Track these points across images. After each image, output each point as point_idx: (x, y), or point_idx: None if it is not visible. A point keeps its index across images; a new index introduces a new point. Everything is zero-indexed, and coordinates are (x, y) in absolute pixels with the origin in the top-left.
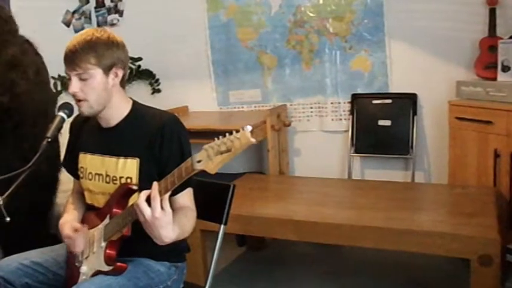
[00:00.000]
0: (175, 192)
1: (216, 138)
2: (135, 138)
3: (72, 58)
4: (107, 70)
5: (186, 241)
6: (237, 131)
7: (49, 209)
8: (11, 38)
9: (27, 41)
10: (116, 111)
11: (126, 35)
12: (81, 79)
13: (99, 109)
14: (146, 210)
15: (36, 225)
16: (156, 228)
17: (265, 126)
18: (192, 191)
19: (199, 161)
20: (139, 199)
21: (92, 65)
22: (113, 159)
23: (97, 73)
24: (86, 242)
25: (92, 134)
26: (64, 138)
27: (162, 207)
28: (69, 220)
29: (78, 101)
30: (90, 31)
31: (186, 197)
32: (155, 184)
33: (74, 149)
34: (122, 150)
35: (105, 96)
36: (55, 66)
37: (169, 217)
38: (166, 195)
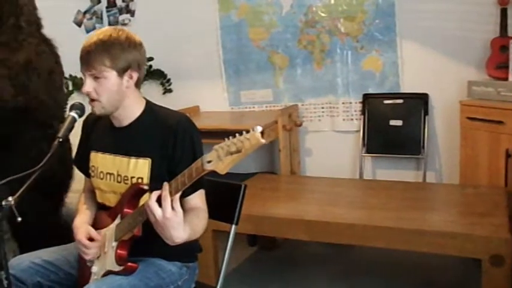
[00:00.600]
0: (187, 193)
1: (226, 139)
2: (147, 138)
3: (87, 58)
4: (121, 72)
5: (198, 241)
6: (247, 132)
7: (61, 206)
8: (29, 38)
9: (45, 41)
10: (129, 111)
11: (138, 35)
12: (95, 79)
13: (111, 110)
14: (157, 210)
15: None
16: (167, 229)
17: (276, 126)
18: (203, 192)
19: (209, 162)
20: (150, 200)
21: (107, 67)
22: (125, 159)
23: (111, 75)
24: (98, 251)
25: (104, 133)
26: (75, 138)
27: (172, 208)
28: (84, 222)
29: (91, 100)
30: (108, 31)
31: (198, 198)
32: (166, 184)
33: (86, 147)
34: (133, 150)
35: (118, 98)
36: (66, 66)
37: (180, 217)
38: (177, 196)
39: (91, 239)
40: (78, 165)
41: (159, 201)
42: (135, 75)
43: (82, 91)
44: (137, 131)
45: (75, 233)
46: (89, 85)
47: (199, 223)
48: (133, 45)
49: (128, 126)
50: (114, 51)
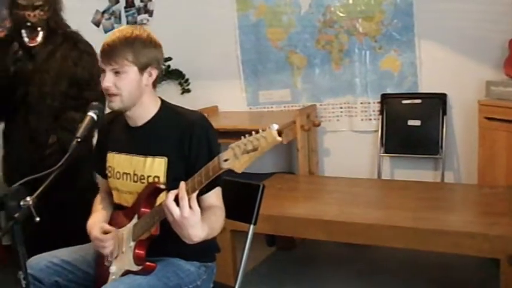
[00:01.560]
0: (204, 191)
1: (242, 137)
2: (163, 137)
3: (110, 53)
4: (142, 69)
5: (216, 241)
6: (264, 130)
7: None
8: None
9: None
10: (145, 110)
11: (156, 35)
12: (116, 74)
13: (129, 105)
14: (175, 210)
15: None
16: (185, 228)
17: (294, 126)
18: (220, 190)
19: (226, 160)
20: (167, 199)
21: (129, 61)
22: (141, 159)
23: (132, 70)
24: (115, 243)
25: (120, 134)
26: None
27: (190, 207)
28: (97, 221)
29: (110, 95)
30: (130, 28)
31: (215, 196)
32: (182, 184)
33: (102, 148)
34: (149, 149)
35: (137, 94)
36: None
37: (197, 216)
38: (194, 194)
39: (106, 233)
40: (95, 166)
41: (176, 200)
42: (155, 74)
43: (101, 85)
44: (153, 130)
45: (90, 231)
46: (109, 80)
47: (217, 221)
48: (154, 43)
49: (143, 125)
50: (136, 47)
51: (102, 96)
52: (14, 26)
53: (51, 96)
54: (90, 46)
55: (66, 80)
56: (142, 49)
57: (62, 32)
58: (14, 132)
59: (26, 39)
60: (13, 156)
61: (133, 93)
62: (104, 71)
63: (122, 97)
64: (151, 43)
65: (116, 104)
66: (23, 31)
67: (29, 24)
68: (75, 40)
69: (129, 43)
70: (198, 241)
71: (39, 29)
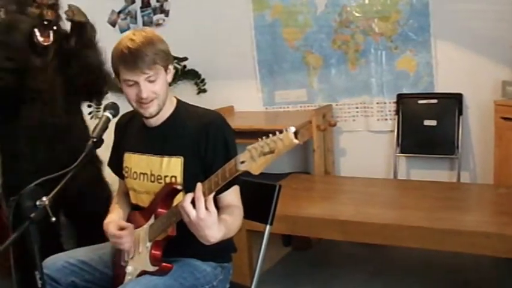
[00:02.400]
0: (222, 190)
1: (259, 139)
2: (180, 136)
3: (140, 61)
4: (166, 68)
5: (233, 241)
6: (280, 132)
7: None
8: None
9: None
10: (163, 109)
11: (172, 35)
12: (150, 82)
13: (162, 107)
14: (191, 211)
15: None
16: (201, 229)
17: (310, 126)
18: (238, 188)
19: (242, 162)
20: (184, 201)
21: (159, 65)
22: (157, 158)
23: (162, 72)
24: (132, 239)
25: (136, 134)
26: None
27: (206, 208)
28: (113, 219)
29: (147, 103)
30: (139, 32)
31: (233, 195)
32: (199, 185)
33: (119, 148)
34: (166, 149)
35: (167, 93)
36: None
37: (214, 217)
38: (211, 196)
39: (121, 229)
40: (112, 167)
41: (193, 201)
42: (172, 70)
43: (140, 96)
44: (169, 129)
45: (106, 229)
46: (146, 90)
47: (234, 221)
48: (165, 41)
49: (160, 125)
50: (159, 48)
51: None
52: (22, 24)
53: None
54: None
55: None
56: (162, 49)
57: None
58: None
59: (41, 39)
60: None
61: (166, 93)
62: (135, 82)
63: (158, 100)
64: (164, 41)
65: (154, 108)
66: (36, 30)
67: (45, 22)
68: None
69: (153, 46)
70: (214, 242)
71: (54, 27)
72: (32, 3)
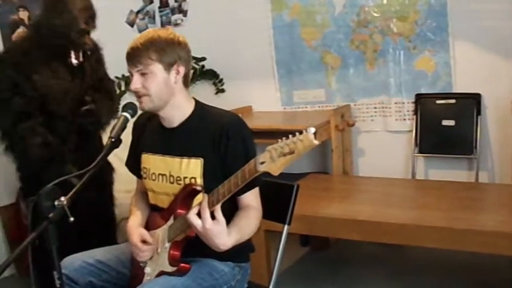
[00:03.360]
0: (241, 192)
1: (279, 140)
2: (199, 138)
3: (134, 55)
4: (167, 66)
5: (251, 241)
6: (300, 133)
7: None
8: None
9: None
10: (179, 110)
11: (190, 35)
12: (143, 75)
13: (160, 105)
14: (197, 222)
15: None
16: (210, 238)
17: (329, 126)
18: (258, 190)
19: (262, 163)
20: (190, 213)
21: (153, 60)
22: (177, 160)
23: (158, 69)
24: (151, 253)
25: (154, 135)
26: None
27: (214, 217)
28: (137, 225)
29: (139, 97)
30: (151, 30)
31: (252, 196)
32: (205, 196)
33: (137, 149)
34: (185, 150)
35: (166, 92)
36: (119, 66)
37: (222, 226)
38: (218, 205)
39: (144, 241)
40: (130, 167)
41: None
42: (182, 70)
43: (130, 89)
44: (188, 131)
45: (129, 235)
46: (136, 81)
47: (249, 225)
48: (177, 42)
49: (178, 126)
50: (159, 46)
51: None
52: (59, 45)
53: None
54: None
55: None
56: (165, 47)
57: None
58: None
59: (75, 61)
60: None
61: (162, 91)
62: (131, 75)
63: (151, 97)
64: (174, 41)
65: (146, 104)
66: (72, 52)
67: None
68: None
69: (151, 43)
70: (225, 249)
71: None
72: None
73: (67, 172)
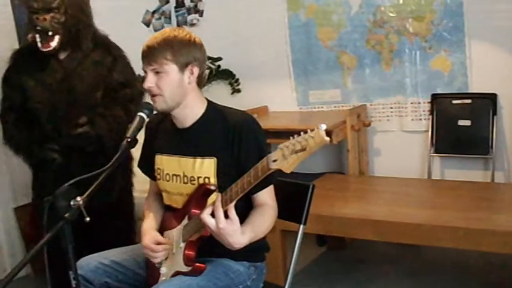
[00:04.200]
0: (256, 190)
1: (291, 137)
2: (211, 138)
3: (149, 54)
4: (182, 67)
5: (266, 240)
6: (312, 130)
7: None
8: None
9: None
10: (191, 110)
11: (206, 35)
12: (157, 74)
13: (173, 105)
14: (210, 222)
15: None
16: (224, 237)
17: (345, 127)
18: (272, 187)
19: (274, 161)
20: (203, 212)
21: (168, 60)
22: (190, 160)
23: (172, 69)
24: (165, 255)
25: (167, 135)
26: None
27: (227, 216)
28: (151, 227)
29: (153, 96)
30: (168, 30)
31: (266, 194)
32: (218, 195)
33: (150, 150)
34: (198, 150)
35: (180, 93)
36: (135, 66)
37: (235, 225)
38: (232, 204)
39: (158, 243)
40: (143, 168)
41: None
42: (196, 71)
43: (143, 87)
44: (201, 131)
45: (143, 237)
46: (150, 80)
47: (264, 223)
48: (193, 42)
49: (191, 126)
50: (175, 46)
51: (138, 95)
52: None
53: (83, 105)
54: (121, 50)
55: (101, 88)
56: (180, 48)
57: (92, 37)
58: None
59: (39, 45)
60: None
61: (175, 92)
62: (145, 73)
63: (164, 97)
64: (189, 41)
65: (159, 104)
66: (37, 36)
67: (38, 28)
68: (106, 45)
69: (167, 42)
70: (239, 248)
71: (50, 33)
72: (30, 9)
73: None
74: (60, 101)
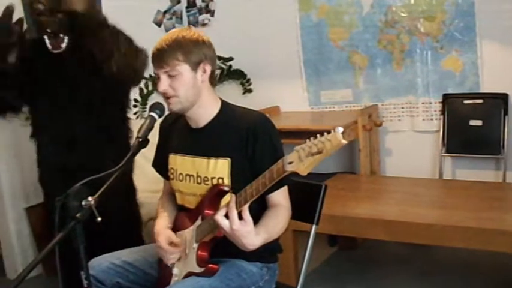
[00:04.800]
0: (270, 191)
1: (307, 140)
2: (226, 138)
3: (160, 56)
4: (194, 66)
5: (279, 241)
6: (328, 132)
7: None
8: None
9: None
10: (205, 110)
11: (217, 35)
12: (170, 76)
13: (188, 106)
14: (224, 223)
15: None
16: (237, 239)
17: (356, 127)
18: (286, 188)
19: (290, 163)
20: (217, 214)
21: (180, 61)
22: (204, 160)
23: (185, 69)
24: (178, 256)
25: (181, 135)
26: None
27: (241, 218)
28: (165, 227)
29: (168, 98)
30: (176, 30)
31: (280, 195)
32: (233, 196)
33: (164, 150)
34: (212, 150)
35: (194, 92)
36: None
37: (249, 226)
38: (246, 206)
39: (172, 244)
40: (157, 168)
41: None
42: (209, 69)
43: (158, 91)
44: (215, 131)
45: (157, 237)
46: (164, 83)
47: (277, 224)
48: (202, 41)
49: (205, 126)
50: (185, 46)
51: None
52: (37, 33)
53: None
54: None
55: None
56: (191, 47)
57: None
58: (46, 136)
59: (49, 47)
60: (50, 162)
61: (190, 92)
62: (158, 77)
63: (179, 98)
64: (198, 40)
65: (175, 106)
66: (45, 37)
67: (48, 30)
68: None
69: (177, 43)
70: (253, 249)
71: (61, 35)
72: (35, 11)
73: None
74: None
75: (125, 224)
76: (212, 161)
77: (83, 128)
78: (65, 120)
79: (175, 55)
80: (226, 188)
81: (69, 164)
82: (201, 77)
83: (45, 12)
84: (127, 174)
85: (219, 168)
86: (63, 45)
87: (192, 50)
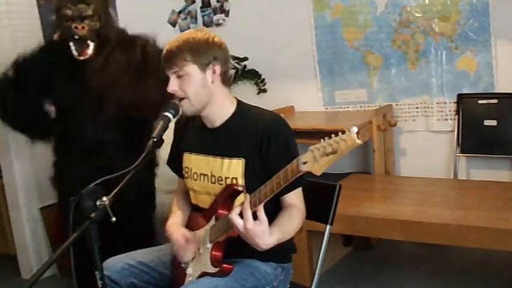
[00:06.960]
0: (285, 192)
1: (322, 140)
2: (240, 138)
3: (169, 57)
4: (203, 66)
5: (293, 241)
6: (343, 132)
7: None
8: None
9: None
10: (220, 110)
11: (232, 35)
12: (179, 77)
13: (200, 107)
14: (238, 223)
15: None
16: (251, 238)
17: (371, 127)
18: (301, 190)
19: (305, 163)
20: (232, 213)
21: (187, 61)
22: (218, 160)
23: (193, 69)
24: (193, 254)
25: (196, 134)
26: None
27: (256, 217)
28: (178, 224)
29: (179, 100)
30: (187, 32)
31: (295, 196)
32: (247, 196)
33: (179, 148)
34: (227, 150)
35: (205, 93)
36: None
37: (264, 226)
38: (261, 205)
39: (187, 241)
40: (172, 166)
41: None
42: (218, 69)
43: (168, 91)
44: (230, 131)
45: (171, 234)
46: (173, 84)
47: (291, 224)
48: (211, 41)
49: (220, 126)
50: (194, 47)
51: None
52: (62, 38)
53: (111, 106)
54: (149, 39)
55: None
56: (199, 48)
57: (115, 40)
58: (68, 145)
59: (75, 53)
60: (71, 170)
61: (200, 93)
62: (168, 78)
63: (190, 99)
64: (208, 41)
65: (187, 108)
66: (71, 44)
67: (76, 37)
68: (129, 40)
69: (186, 44)
70: (267, 248)
71: (89, 41)
72: (64, 17)
73: None
74: (88, 101)
75: (142, 226)
76: (226, 160)
77: (101, 135)
78: (81, 125)
79: (183, 56)
80: (240, 188)
81: (87, 172)
82: (210, 77)
83: (75, 18)
84: (148, 179)
85: (233, 168)
86: (89, 51)
87: (201, 50)
